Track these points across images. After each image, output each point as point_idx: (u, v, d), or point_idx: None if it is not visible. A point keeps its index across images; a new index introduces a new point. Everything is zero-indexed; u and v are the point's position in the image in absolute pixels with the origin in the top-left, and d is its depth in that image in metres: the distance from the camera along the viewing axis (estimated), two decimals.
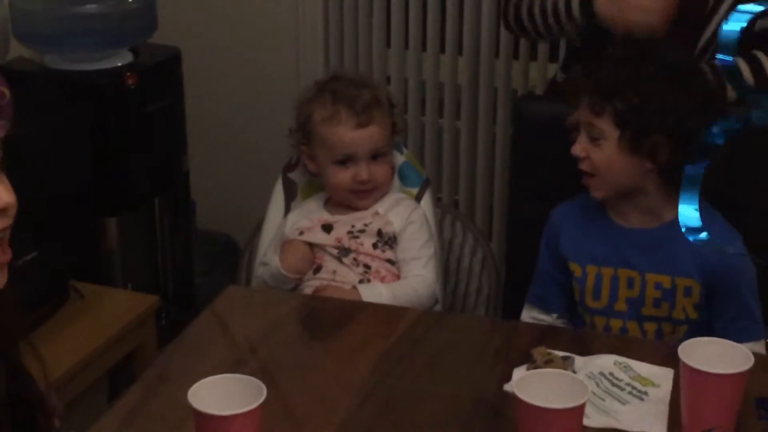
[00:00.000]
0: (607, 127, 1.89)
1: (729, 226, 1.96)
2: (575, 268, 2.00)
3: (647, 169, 1.91)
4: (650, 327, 1.96)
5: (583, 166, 1.94)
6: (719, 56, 1.18)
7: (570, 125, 1.96)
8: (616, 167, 1.90)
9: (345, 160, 2.12)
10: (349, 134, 2.10)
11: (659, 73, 1.89)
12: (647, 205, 1.96)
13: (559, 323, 2.04)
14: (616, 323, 1.97)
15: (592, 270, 1.99)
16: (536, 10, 2.28)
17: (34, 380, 1.33)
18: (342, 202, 2.17)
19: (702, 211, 1.94)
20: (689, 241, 1.89)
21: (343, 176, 2.13)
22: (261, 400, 1.39)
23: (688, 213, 1.89)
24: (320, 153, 2.15)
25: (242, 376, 1.45)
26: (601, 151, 1.91)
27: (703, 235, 1.44)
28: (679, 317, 1.94)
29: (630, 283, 1.96)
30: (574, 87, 1.96)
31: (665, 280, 1.94)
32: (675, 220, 1.94)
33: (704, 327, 1.94)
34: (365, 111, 2.10)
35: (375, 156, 2.13)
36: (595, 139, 1.91)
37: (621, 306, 1.97)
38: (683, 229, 1.45)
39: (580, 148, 1.93)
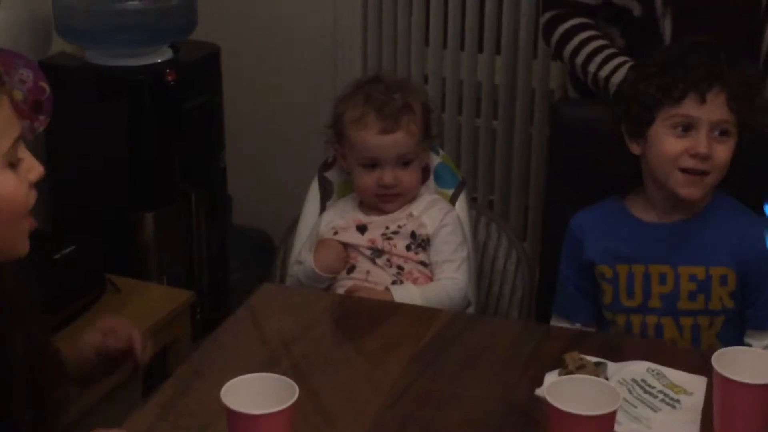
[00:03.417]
0: (735, 125, 1.88)
1: (755, 215, 1.99)
2: (605, 270, 1.99)
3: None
4: (686, 321, 1.95)
5: (704, 166, 1.88)
6: None
7: (680, 122, 1.89)
8: (727, 164, 1.90)
9: (371, 164, 2.12)
10: (373, 139, 2.10)
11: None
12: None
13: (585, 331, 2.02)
14: (651, 320, 1.96)
15: (622, 269, 1.97)
16: (576, 62, 2.29)
17: (59, 364, 1.35)
18: (368, 204, 2.16)
19: (729, 201, 1.97)
20: (721, 229, 1.92)
21: (368, 179, 2.12)
22: (293, 400, 1.39)
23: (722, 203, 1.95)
24: (349, 153, 2.15)
25: (275, 375, 1.45)
26: (727, 148, 1.88)
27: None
28: (716, 308, 1.93)
29: (662, 279, 1.94)
30: (704, 82, 1.88)
31: (699, 272, 1.93)
32: (704, 212, 1.97)
33: (740, 317, 1.94)
34: (393, 117, 2.08)
35: (402, 162, 2.12)
36: (723, 136, 1.88)
37: (655, 302, 1.96)
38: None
39: (708, 146, 1.87)
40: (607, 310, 2.01)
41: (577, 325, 2.02)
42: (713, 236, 1.94)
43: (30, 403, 1.27)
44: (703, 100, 1.86)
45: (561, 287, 2.07)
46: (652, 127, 1.91)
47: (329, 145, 2.21)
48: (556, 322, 2.06)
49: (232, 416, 1.39)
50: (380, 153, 2.10)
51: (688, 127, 1.88)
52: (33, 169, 1.31)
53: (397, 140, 2.09)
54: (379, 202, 2.14)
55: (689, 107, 1.87)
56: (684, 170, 1.89)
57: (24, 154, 1.31)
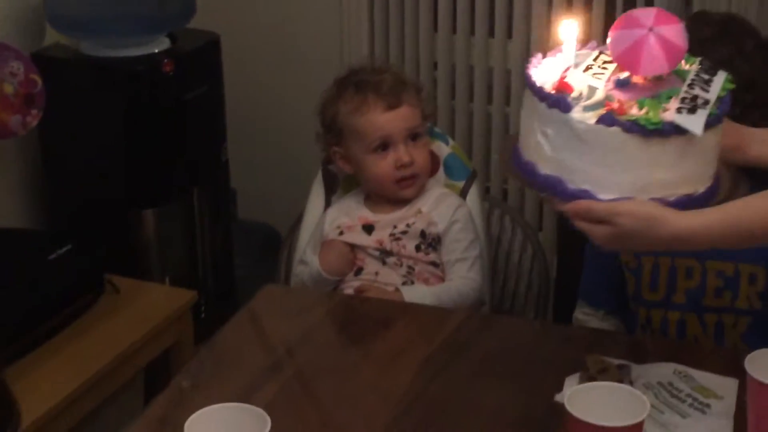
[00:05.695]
0: None
1: None
2: (629, 260, 1.94)
3: None
4: (710, 319, 1.90)
5: None
6: None
7: None
8: None
9: (383, 146, 2.07)
10: (381, 117, 2.06)
11: (759, 48, 1.85)
12: None
13: (609, 320, 1.99)
14: (673, 316, 1.91)
15: (647, 261, 1.92)
16: None
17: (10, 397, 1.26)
18: (385, 195, 2.10)
19: None
20: None
21: (383, 165, 2.07)
22: None
23: None
24: (354, 147, 2.09)
25: (245, 406, 1.36)
26: None
27: None
28: (743, 307, 1.88)
29: (689, 273, 1.89)
30: None
31: (727, 268, 1.87)
32: None
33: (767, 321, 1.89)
34: (392, 92, 2.07)
35: (412, 138, 2.08)
36: None
37: (679, 298, 1.91)
38: None
39: None
40: (630, 301, 1.97)
41: (601, 312, 1.99)
42: None
43: None
44: None
45: (586, 273, 2.03)
46: None
47: (326, 152, 2.16)
48: (580, 308, 2.02)
49: None
50: (390, 129, 2.06)
51: None
52: None
53: (405, 114, 2.07)
54: (398, 189, 2.09)
55: None
56: None
57: None
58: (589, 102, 1.41)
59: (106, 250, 2.55)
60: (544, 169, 1.43)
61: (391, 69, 2.17)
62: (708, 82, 1.46)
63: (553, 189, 1.42)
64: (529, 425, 1.55)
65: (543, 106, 1.41)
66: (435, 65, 3.14)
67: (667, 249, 1.44)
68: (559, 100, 1.40)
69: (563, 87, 1.43)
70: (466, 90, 3.14)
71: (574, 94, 1.42)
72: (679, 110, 1.38)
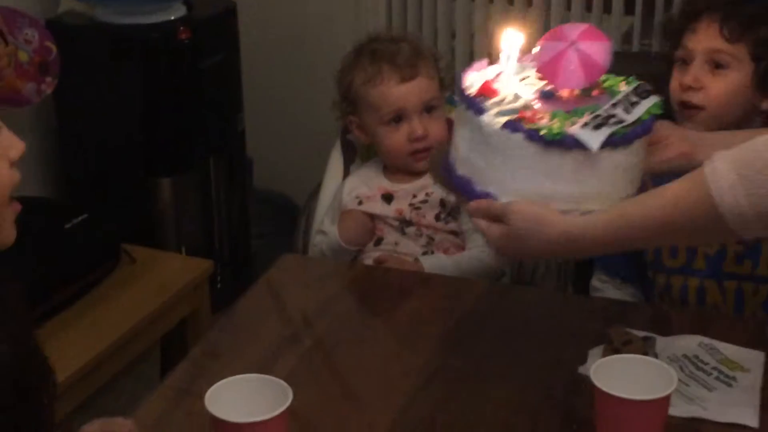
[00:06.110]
0: (741, 56, 1.80)
1: None
2: None
3: (759, 109, 1.82)
4: (730, 285, 1.86)
5: (695, 99, 1.82)
6: None
7: (681, 56, 1.86)
8: (734, 101, 1.81)
9: (396, 119, 2.03)
10: (394, 90, 2.02)
11: None
12: None
13: (626, 287, 1.96)
14: (693, 282, 1.88)
15: None
16: None
17: (44, 362, 1.25)
18: (400, 167, 2.07)
19: None
20: None
21: (397, 137, 2.03)
22: (286, 406, 1.27)
23: None
24: (368, 118, 2.05)
25: (266, 377, 1.34)
26: (722, 81, 1.81)
27: None
28: (763, 274, 1.85)
29: None
30: (693, 11, 1.85)
31: None
32: None
33: None
34: (408, 64, 2.03)
35: (428, 110, 2.04)
36: (718, 69, 1.81)
37: (699, 264, 1.88)
38: None
39: (693, 77, 1.82)
40: (648, 268, 1.94)
41: (617, 280, 1.97)
42: None
43: (17, 406, 1.17)
44: (694, 30, 1.83)
45: None
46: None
47: (342, 120, 2.13)
48: (597, 275, 2.00)
49: (217, 425, 1.27)
50: (404, 102, 2.02)
51: (685, 61, 1.85)
52: (12, 146, 1.19)
53: (420, 86, 2.03)
54: (412, 161, 2.05)
55: (685, 39, 1.85)
56: (682, 105, 1.86)
57: (1, 130, 1.19)
58: (505, 107, 1.42)
59: (122, 219, 2.54)
60: (459, 169, 1.46)
61: (408, 38, 2.13)
62: (634, 105, 1.45)
63: (463, 189, 1.46)
64: (551, 397, 1.52)
65: (463, 107, 1.44)
66: (453, 35, 3.10)
67: (557, 251, 1.43)
68: (474, 101, 1.42)
69: (486, 91, 1.44)
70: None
71: (496, 99, 1.43)
72: (585, 125, 1.37)
